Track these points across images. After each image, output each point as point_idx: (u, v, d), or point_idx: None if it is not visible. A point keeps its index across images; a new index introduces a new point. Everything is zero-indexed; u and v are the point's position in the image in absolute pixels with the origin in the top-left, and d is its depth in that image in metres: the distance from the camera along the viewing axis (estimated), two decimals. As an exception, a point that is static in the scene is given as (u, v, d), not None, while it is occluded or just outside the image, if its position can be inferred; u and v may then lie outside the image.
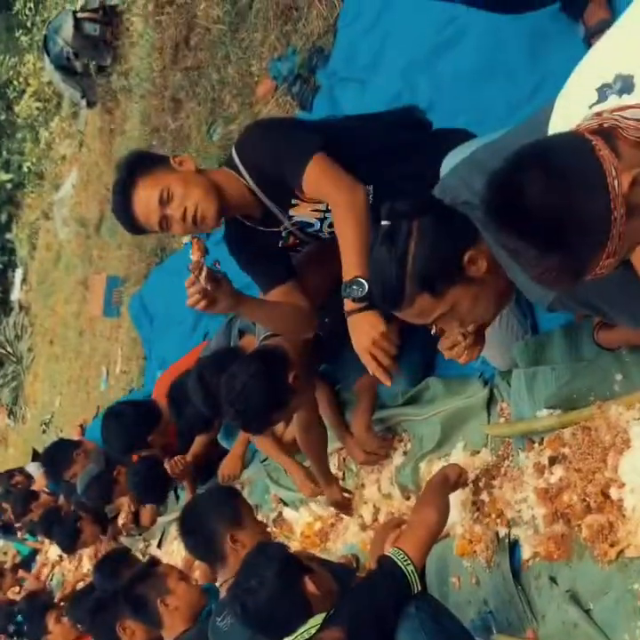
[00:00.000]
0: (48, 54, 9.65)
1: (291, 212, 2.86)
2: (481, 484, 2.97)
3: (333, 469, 3.89)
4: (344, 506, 3.66)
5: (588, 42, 2.92)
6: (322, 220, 2.87)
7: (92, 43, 9.53)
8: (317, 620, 2.51)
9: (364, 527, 3.63)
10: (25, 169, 13.94)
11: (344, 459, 3.89)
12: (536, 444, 2.77)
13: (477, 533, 2.93)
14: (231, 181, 2.83)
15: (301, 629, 2.52)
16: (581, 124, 1.66)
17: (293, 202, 2.82)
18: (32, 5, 13.12)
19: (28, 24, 13.33)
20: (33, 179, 13.69)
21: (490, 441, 3.04)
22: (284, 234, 2.96)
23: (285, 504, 4.37)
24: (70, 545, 6.31)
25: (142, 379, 7.13)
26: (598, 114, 1.66)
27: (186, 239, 6.41)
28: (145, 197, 2.73)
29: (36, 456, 8.54)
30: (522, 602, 2.72)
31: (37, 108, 13.47)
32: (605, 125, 1.61)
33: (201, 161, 6.38)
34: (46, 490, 7.23)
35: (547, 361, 2.73)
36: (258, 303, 2.96)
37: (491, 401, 3.06)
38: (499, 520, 2.88)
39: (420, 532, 2.60)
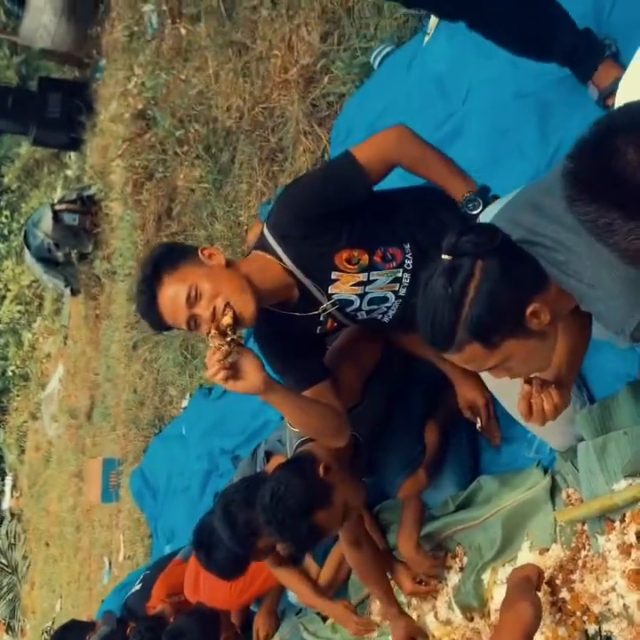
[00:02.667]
0: (29, 248, 9.66)
1: (331, 290, 2.65)
2: (558, 582, 2.66)
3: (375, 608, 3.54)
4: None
5: (604, 103, 2.82)
6: (362, 297, 2.66)
7: (72, 232, 9.58)
8: None
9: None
10: (9, 373, 13.76)
11: (389, 591, 3.54)
12: (617, 523, 2.48)
13: (563, 637, 2.59)
14: (266, 267, 2.62)
15: None
16: None
17: (333, 277, 2.61)
18: (8, 213, 13.30)
19: (5, 231, 13.47)
20: (18, 381, 13.50)
21: (559, 534, 2.74)
22: (322, 317, 2.73)
23: (327, 659, 3.95)
24: None
25: (149, 559, 6.71)
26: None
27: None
28: (171, 295, 2.51)
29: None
30: None
31: (19, 312, 13.44)
32: None
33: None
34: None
35: (616, 426, 2.49)
36: (290, 393, 2.69)
37: (554, 490, 2.78)
38: (585, 617, 2.55)
39: (514, 631, 2.27)
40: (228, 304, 2.45)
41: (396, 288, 2.67)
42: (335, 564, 3.69)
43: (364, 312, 2.71)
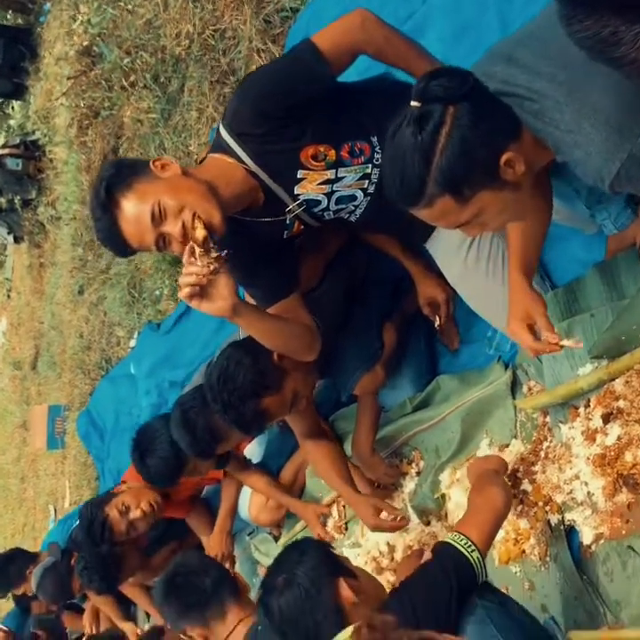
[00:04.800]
0: (-29, 205, 9.41)
1: (297, 191, 2.50)
2: (519, 475, 2.60)
3: (334, 521, 3.48)
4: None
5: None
6: (329, 196, 2.52)
7: (15, 178, 9.34)
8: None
9: (380, 571, 3.17)
10: (-51, 332, 13.45)
11: (344, 506, 3.47)
12: (581, 409, 2.43)
13: (524, 530, 2.54)
14: (227, 171, 2.44)
15: (337, 638, 2.08)
16: None
17: (299, 175, 2.46)
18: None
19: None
20: (-42, 340, 13.21)
21: (519, 430, 2.69)
22: (288, 220, 2.58)
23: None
24: None
25: (96, 500, 6.58)
26: None
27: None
28: (133, 217, 2.32)
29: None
30: (590, 594, 2.32)
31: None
32: None
33: (145, 258, 6.12)
34: (2, 626, 6.42)
35: (582, 309, 2.43)
36: (259, 315, 2.53)
37: (514, 385, 2.72)
38: (548, 508, 2.50)
39: (484, 515, 2.21)
40: (196, 215, 2.29)
41: (365, 185, 2.53)
42: (294, 469, 3.63)
43: (331, 212, 2.58)
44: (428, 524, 3.00)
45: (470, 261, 2.58)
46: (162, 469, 3.49)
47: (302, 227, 2.60)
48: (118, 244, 2.37)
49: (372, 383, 2.92)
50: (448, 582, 2.03)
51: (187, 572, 2.79)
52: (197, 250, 2.25)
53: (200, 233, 2.26)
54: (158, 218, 2.30)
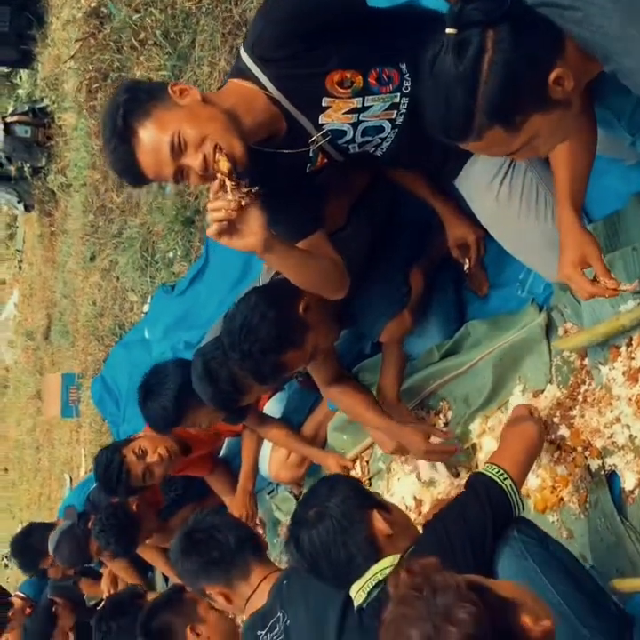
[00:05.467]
0: (-22, 162, 9.31)
1: (321, 120, 2.36)
2: (555, 420, 2.49)
3: (357, 477, 3.37)
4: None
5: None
6: (355, 126, 2.38)
7: (25, 145, 9.23)
8: (391, 560, 2.01)
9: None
10: (-39, 306, 13.40)
11: (367, 462, 3.37)
12: (623, 348, 2.31)
13: (562, 477, 2.43)
14: (248, 98, 2.31)
15: (373, 570, 2.00)
16: None
17: (324, 103, 2.32)
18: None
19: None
20: (-30, 314, 13.16)
21: (555, 374, 2.57)
22: (312, 153, 2.44)
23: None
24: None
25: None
26: None
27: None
28: (152, 147, 2.20)
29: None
30: (633, 540, 2.22)
31: (-31, 243, 13.07)
32: None
33: (158, 220, 6.01)
34: (20, 594, 6.35)
35: (623, 243, 2.31)
36: (290, 248, 2.40)
37: (549, 328, 2.60)
38: (587, 453, 2.39)
39: (516, 446, 2.15)
40: (217, 147, 2.17)
41: (393, 115, 2.39)
42: (315, 425, 3.54)
43: (356, 144, 2.44)
44: (457, 476, 2.90)
45: (502, 197, 2.45)
46: (159, 415, 3.43)
47: (325, 161, 2.46)
48: (134, 175, 2.27)
49: (398, 329, 2.80)
50: (482, 509, 1.98)
51: (208, 527, 2.69)
52: (229, 183, 2.14)
53: (224, 165, 2.15)
54: (178, 149, 2.19)
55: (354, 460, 3.42)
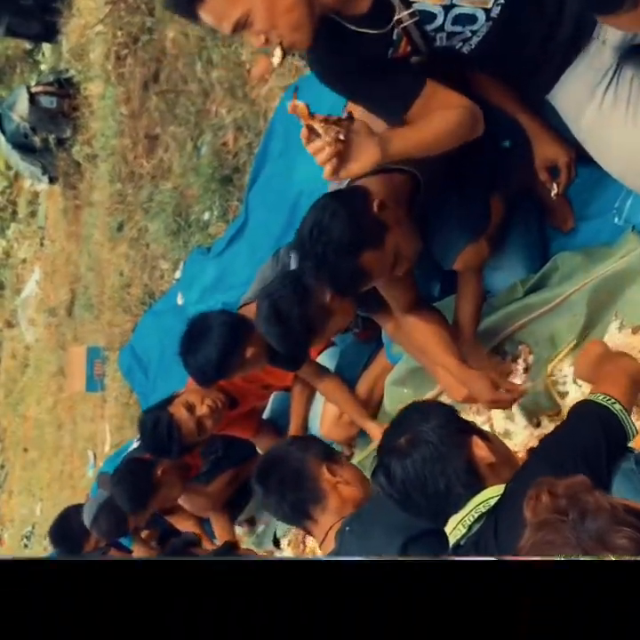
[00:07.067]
0: (3, 133, 9.12)
1: None
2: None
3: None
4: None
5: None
6: (447, 10, 2.16)
7: (50, 116, 9.05)
8: (496, 490, 1.79)
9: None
10: (-18, 285, 13.21)
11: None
12: None
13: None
14: None
15: (475, 501, 1.78)
16: None
17: None
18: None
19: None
20: (-8, 292, 12.98)
21: (658, 307, 2.33)
22: (395, 35, 2.21)
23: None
24: None
25: (140, 438, 6.30)
26: None
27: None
28: (215, 19, 2.07)
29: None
30: None
31: (-10, 220, 12.88)
32: None
33: (193, 181, 5.80)
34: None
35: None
36: (407, 130, 2.22)
37: (652, 257, 2.36)
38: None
39: (620, 379, 1.90)
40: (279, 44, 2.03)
41: (489, 4, 2.17)
42: (371, 382, 3.30)
43: (444, 34, 2.23)
44: (537, 425, 2.66)
45: (607, 106, 2.22)
46: (202, 370, 3.27)
47: (408, 48, 2.24)
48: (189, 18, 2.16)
49: (476, 256, 2.55)
50: (593, 432, 1.74)
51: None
52: (317, 125, 1.99)
53: (302, 110, 1.98)
54: (240, 28, 2.07)
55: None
